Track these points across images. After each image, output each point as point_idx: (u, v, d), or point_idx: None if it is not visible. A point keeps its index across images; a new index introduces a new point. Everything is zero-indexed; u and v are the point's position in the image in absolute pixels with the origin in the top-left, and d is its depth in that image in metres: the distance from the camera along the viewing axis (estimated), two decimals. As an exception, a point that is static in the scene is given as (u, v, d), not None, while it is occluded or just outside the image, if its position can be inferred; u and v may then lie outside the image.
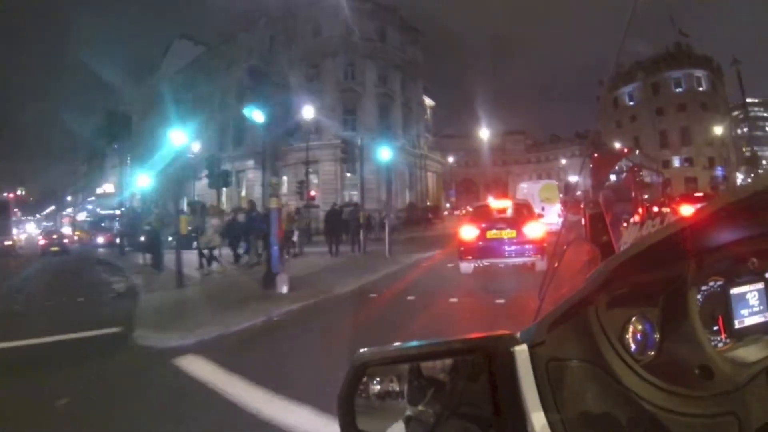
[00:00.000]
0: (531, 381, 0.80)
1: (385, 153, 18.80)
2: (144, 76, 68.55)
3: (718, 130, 58.17)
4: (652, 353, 0.89)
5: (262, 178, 45.43)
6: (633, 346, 0.88)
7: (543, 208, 24.51)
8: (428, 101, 60.07)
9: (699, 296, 0.95)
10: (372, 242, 23.26)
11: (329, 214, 20.76)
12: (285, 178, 45.19)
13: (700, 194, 28.11)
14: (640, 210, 10.95)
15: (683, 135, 65.35)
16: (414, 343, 0.92)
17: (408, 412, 0.92)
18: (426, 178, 49.20)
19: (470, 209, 18.96)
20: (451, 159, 71.14)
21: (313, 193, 35.89)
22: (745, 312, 0.98)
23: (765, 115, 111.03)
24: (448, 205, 77.51)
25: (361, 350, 0.92)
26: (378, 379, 0.95)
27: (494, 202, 13.37)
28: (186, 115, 58.20)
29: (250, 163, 49.74)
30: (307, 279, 11.99)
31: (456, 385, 0.91)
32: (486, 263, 10.87)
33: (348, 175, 43.82)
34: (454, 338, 0.88)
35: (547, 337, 0.85)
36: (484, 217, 11.79)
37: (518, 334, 0.87)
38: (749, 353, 0.92)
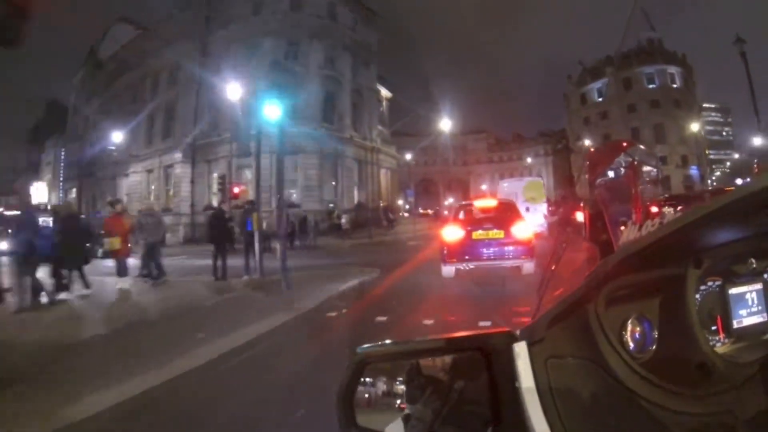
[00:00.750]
0: (530, 378, 0.82)
1: (272, 111, 12.08)
2: (81, 63, 62.83)
3: (694, 127, 54.05)
4: (651, 352, 0.88)
5: (192, 173, 37.84)
6: (631, 345, 0.88)
7: (527, 209, 22.14)
8: (385, 92, 54.17)
9: (697, 296, 0.94)
10: (297, 253, 20.05)
11: (212, 218, 13.84)
12: (215, 174, 38.76)
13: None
14: (637, 210, 9.70)
15: (657, 132, 61.28)
16: (414, 340, 0.96)
17: (407, 411, 0.92)
18: (378, 175, 42.95)
19: (454, 207, 17.19)
20: (408, 156, 65.11)
21: (237, 190, 29.30)
22: (743, 312, 0.97)
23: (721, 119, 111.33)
24: (407, 207, 71.98)
25: (361, 346, 0.93)
26: (377, 376, 0.94)
27: (479, 202, 12.80)
28: (117, 104, 52.39)
29: (178, 156, 42.96)
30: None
31: (455, 383, 0.92)
32: (471, 266, 10.02)
33: (298, 168, 37.89)
34: (453, 335, 0.91)
35: (546, 334, 0.86)
36: (468, 217, 11.16)
37: (517, 332, 0.88)
38: (747, 353, 0.92)
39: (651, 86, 63.40)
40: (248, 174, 37.32)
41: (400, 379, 0.95)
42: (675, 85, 63.99)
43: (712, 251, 0.94)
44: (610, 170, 13.37)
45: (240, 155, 24.15)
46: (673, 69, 64.31)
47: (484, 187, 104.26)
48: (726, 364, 0.87)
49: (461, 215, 11.42)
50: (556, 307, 0.87)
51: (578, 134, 68.89)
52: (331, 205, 36.43)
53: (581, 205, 10.05)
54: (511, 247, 9.83)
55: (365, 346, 0.93)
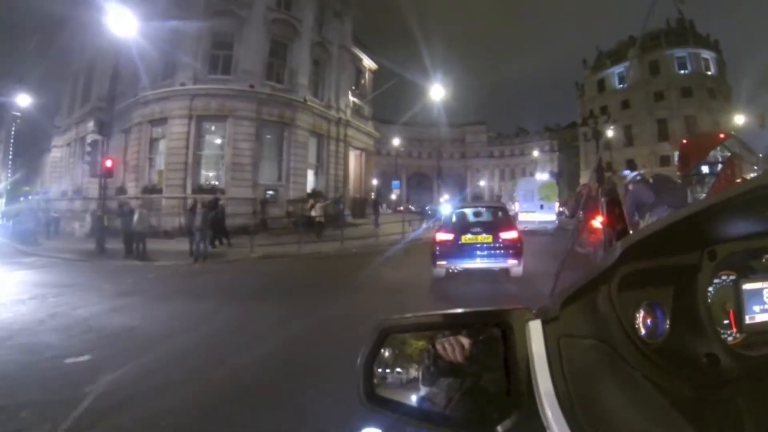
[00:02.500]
0: (543, 355, 0.83)
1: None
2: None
3: (738, 119, 44.55)
4: (661, 339, 0.89)
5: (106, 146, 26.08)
6: (643, 331, 0.89)
7: (542, 206, 25.43)
8: (368, 62, 44.63)
9: (711, 288, 0.95)
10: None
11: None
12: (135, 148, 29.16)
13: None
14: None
15: (688, 125, 51.78)
16: (435, 312, 0.97)
17: (422, 392, 0.93)
18: (346, 157, 33.15)
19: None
20: (396, 142, 55.41)
21: (110, 163, 19.67)
22: (756, 308, 0.97)
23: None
24: (393, 197, 62.71)
25: (383, 317, 0.96)
26: (397, 351, 0.97)
27: (470, 207, 14.01)
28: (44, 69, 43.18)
29: (90, 126, 33.31)
30: None
31: (471, 367, 0.93)
32: (459, 268, 10.63)
33: (213, 141, 28.09)
34: (473, 309, 0.95)
35: (560, 313, 0.87)
36: (458, 221, 11.76)
37: (534, 310, 0.90)
38: (758, 348, 0.94)
39: (682, 72, 53.77)
40: (162, 146, 27.78)
41: (418, 359, 0.95)
42: (709, 73, 54.45)
43: (727, 244, 0.93)
44: (705, 165, 13.57)
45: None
46: (707, 54, 54.77)
47: (482, 183, 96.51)
48: (735, 357, 0.88)
49: (453, 219, 11.75)
50: (571, 286, 0.88)
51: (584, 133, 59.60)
52: (270, 192, 26.78)
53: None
54: (499, 251, 10.27)
55: (387, 317, 0.96)
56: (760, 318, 0.96)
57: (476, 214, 12.22)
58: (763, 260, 0.99)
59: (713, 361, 0.86)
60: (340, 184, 31.72)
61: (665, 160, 51.20)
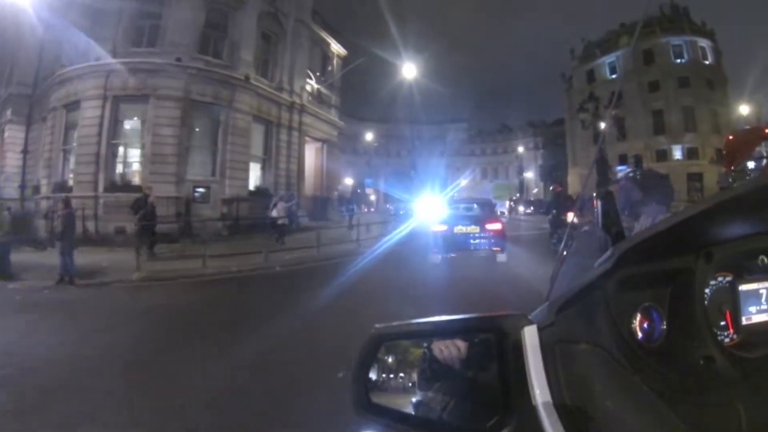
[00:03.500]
0: (539, 361, 0.83)
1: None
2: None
3: (743, 110, 40.59)
4: (658, 342, 0.90)
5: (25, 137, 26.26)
6: (640, 334, 0.89)
7: (495, 203, 25.00)
8: (337, 47, 39.79)
9: (707, 290, 0.96)
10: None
11: None
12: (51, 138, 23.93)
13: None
14: None
15: (686, 117, 47.74)
16: (430, 320, 0.96)
17: (418, 397, 0.93)
18: (301, 148, 28.06)
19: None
20: (369, 137, 50.37)
21: None
22: (753, 309, 0.98)
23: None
24: (373, 198, 58.02)
25: (378, 325, 0.95)
26: (392, 356, 0.97)
27: (461, 201, 16.59)
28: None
29: (8, 113, 28.03)
30: None
31: (466, 372, 0.93)
32: (453, 255, 12.10)
33: (131, 127, 22.89)
34: (468, 315, 0.93)
35: (556, 318, 0.87)
36: (451, 213, 13.35)
37: (530, 315, 0.91)
38: (755, 349, 0.94)
39: (679, 61, 49.75)
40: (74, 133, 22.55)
41: (414, 363, 0.96)
42: (707, 62, 50.55)
43: (723, 246, 0.94)
44: (751, 160, 13.33)
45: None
46: (703, 42, 50.87)
47: (463, 182, 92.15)
48: (732, 359, 0.88)
49: (445, 212, 13.66)
50: (566, 292, 0.88)
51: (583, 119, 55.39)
52: (200, 190, 21.78)
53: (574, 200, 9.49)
54: (485, 240, 12.05)
55: (382, 324, 0.95)
56: (756, 318, 0.96)
57: (466, 209, 13.94)
58: (759, 261, 0.99)
59: (710, 364, 0.87)
60: (294, 181, 26.70)
61: (662, 155, 47.19)
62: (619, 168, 41.42)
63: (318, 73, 35.75)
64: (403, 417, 0.91)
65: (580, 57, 58.88)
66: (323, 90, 36.35)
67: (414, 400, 0.93)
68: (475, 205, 14.35)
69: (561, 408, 0.77)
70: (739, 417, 0.82)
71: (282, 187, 25.50)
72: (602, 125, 29.87)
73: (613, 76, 53.30)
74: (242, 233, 20.22)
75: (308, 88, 29.68)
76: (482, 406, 0.88)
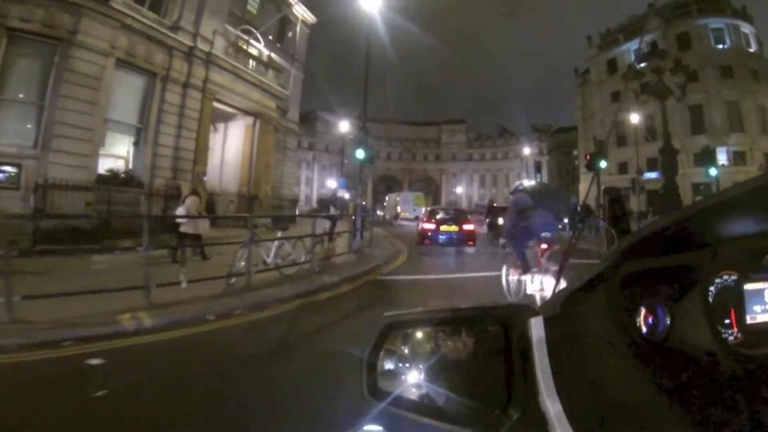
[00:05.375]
0: (544, 351, 0.83)
1: None
2: None
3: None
4: (662, 337, 0.89)
5: None
6: (644, 329, 0.89)
7: (414, 209, 38.26)
8: (303, 12, 31.40)
9: (712, 288, 0.94)
10: None
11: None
12: None
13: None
14: None
15: (730, 114, 39.00)
16: (439, 309, 0.99)
17: (424, 388, 0.94)
18: (202, 119, 18.65)
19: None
20: (345, 126, 40.81)
21: None
22: (758, 308, 0.96)
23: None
24: (345, 195, 49.23)
25: (388, 313, 0.97)
26: (402, 345, 0.99)
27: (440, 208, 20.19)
28: None
29: None
30: None
31: (473, 364, 0.94)
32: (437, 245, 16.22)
33: None
34: (476, 305, 0.97)
35: (562, 310, 0.88)
36: (435, 217, 17.10)
37: (537, 307, 0.90)
38: (758, 348, 0.93)
39: (720, 47, 41.00)
40: None
41: (422, 357, 0.96)
42: (751, 50, 41.91)
43: (729, 244, 0.93)
44: None
45: None
46: (746, 28, 42.25)
47: (458, 190, 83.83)
48: (736, 356, 0.87)
49: (432, 216, 17.17)
50: (572, 284, 0.89)
51: (602, 117, 46.58)
52: (6, 169, 12.96)
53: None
54: (460, 236, 16.16)
55: (392, 313, 0.96)
56: (761, 318, 0.95)
57: (446, 213, 17.65)
58: (765, 261, 0.97)
59: (714, 360, 0.86)
60: (186, 166, 17.70)
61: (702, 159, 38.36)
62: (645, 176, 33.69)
63: (271, 37, 27.24)
64: (410, 404, 0.91)
65: (599, 45, 50.19)
66: (276, 57, 27.70)
67: (420, 389, 0.93)
68: (452, 211, 18.11)
69: (565, 397, 0.78)
70: (742, 413, 0.80)
71: (166, 173, 16.53)
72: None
73: (641, 65, 44.69)
74: (67, 242, 11.45)
75: (230, 35, 20.53)
76: (487, 396, 0.87)
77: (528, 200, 7.68)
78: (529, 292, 7.37)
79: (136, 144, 16.74)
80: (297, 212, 29.25)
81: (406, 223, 35.91)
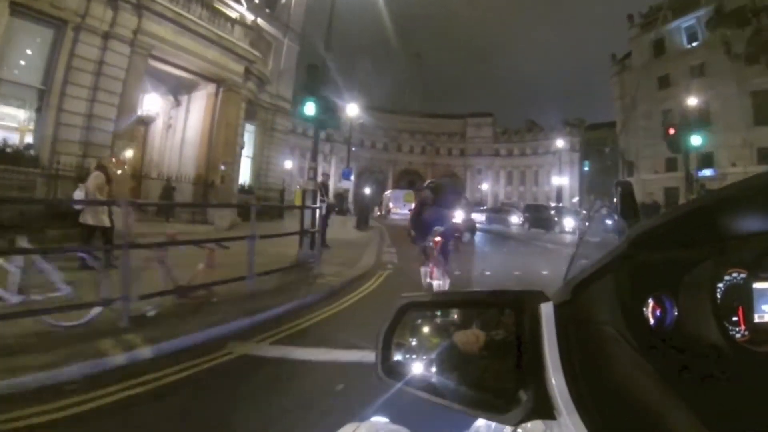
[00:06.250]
0: (554, 337, 0.85)
1: None
2: None
3: None
4: (669, 329, 0.90)
5: None
6: (651, 320, 0.89)
7: (404, 205, 41.29)
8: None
9: (720, 284, 0.94)
10: None
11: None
12: None
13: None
14: None
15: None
16: (452, 292, 1.15)
17: (432, 379, 0.95)
18: (136, 79, 14.40)
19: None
20: (352, 110, 35.79)
21: None
22: (766, 308, 0.95)
23: None
24: (345, 186, 45.37)
25: (404, 294, 1.07)
26: (416, 330, 1.02)
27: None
28: None
29: None
30: None
31: (484, 351, 0.95)
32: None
33: None
34: (488, 290, 0.97)
35: (572, 297, 0.88)
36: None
37: (548, 293, 0.93)
38: (766, 345, 0.92)
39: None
40: None
41: (434, 347, 0.99)
42: (827, 29, 36.05)
43: (739, 240, 0.93)
44: None
45: None
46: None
47: (484, 186, 78.81)
48: (742, 352, 0.88)
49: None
50: (583, 271, 0.90)
51: (648, 107, 41.07)
52: None
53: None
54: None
55: (408, 294, 1.02)
56: None
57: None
58: None
59: (720, 355, 0.86)
60: (107, 138, 13.38)
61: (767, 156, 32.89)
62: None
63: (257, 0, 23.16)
64: (421, 384, 0.93)
65: (642, 24, 44.66)
66: (263, 24, 23.56)
67: (432, 371, 0.95)
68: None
69: (573, 383, 0.79)
70: (745, 408, 0.80)
71: (73, 148, 12.35)
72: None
73: (693, 44, 39.07)
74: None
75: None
76: (497, 380, 0.89)
77: (429, 197, 8.18)
78: (430, 281, 7.62)
79: (39, 110, 12.65)
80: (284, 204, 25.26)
81: (397, 217, 40.46)
